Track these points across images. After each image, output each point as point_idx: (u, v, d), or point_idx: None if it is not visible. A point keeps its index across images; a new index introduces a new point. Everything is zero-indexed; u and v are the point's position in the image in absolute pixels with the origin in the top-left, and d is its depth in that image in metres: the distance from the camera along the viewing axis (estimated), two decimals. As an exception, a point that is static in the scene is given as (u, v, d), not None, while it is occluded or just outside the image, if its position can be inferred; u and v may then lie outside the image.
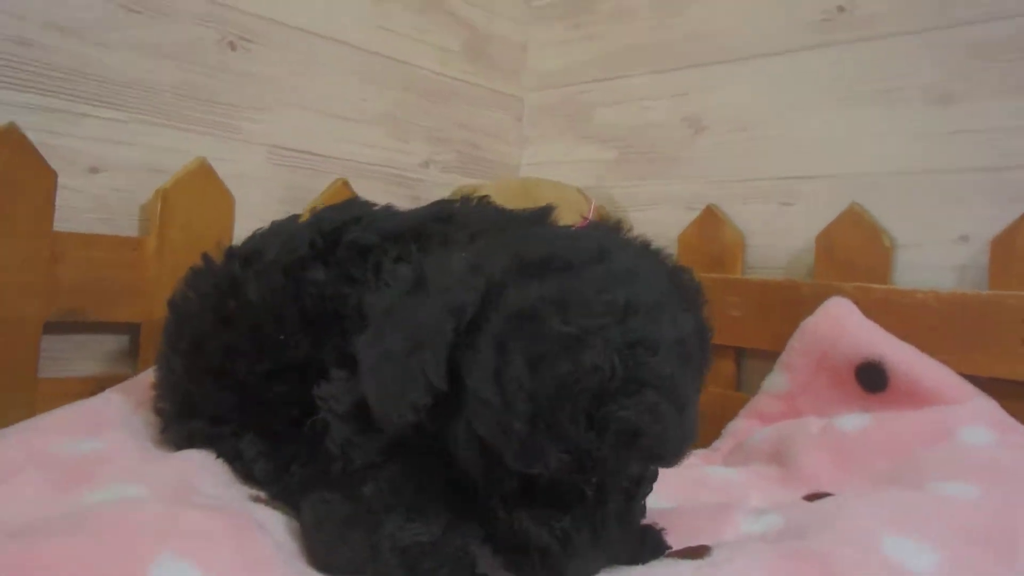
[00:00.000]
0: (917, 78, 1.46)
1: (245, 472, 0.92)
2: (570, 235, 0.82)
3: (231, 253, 0.99)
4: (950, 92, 1.43)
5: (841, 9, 1.55)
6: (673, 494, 1.10)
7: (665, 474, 1.16)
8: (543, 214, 0.93)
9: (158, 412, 1.03)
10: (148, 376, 1.14)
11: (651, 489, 0.81)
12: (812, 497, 1.08)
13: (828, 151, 1.56)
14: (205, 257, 1.01)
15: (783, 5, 1.63)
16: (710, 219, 1.66)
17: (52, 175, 1.17)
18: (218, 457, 0.94)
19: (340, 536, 0.77)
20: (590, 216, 1.58)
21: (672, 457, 0.69)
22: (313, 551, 0.79)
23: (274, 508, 0.86)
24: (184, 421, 0.97)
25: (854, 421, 1.26)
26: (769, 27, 1.65)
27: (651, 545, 0.84)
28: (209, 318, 0.93)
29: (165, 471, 0.90)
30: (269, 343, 0.89)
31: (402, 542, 0.74)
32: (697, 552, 0.83)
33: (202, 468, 0.93)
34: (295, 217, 1.04)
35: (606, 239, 0.78)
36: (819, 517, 0.91)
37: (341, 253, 0.91)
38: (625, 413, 0.63)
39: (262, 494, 0.90)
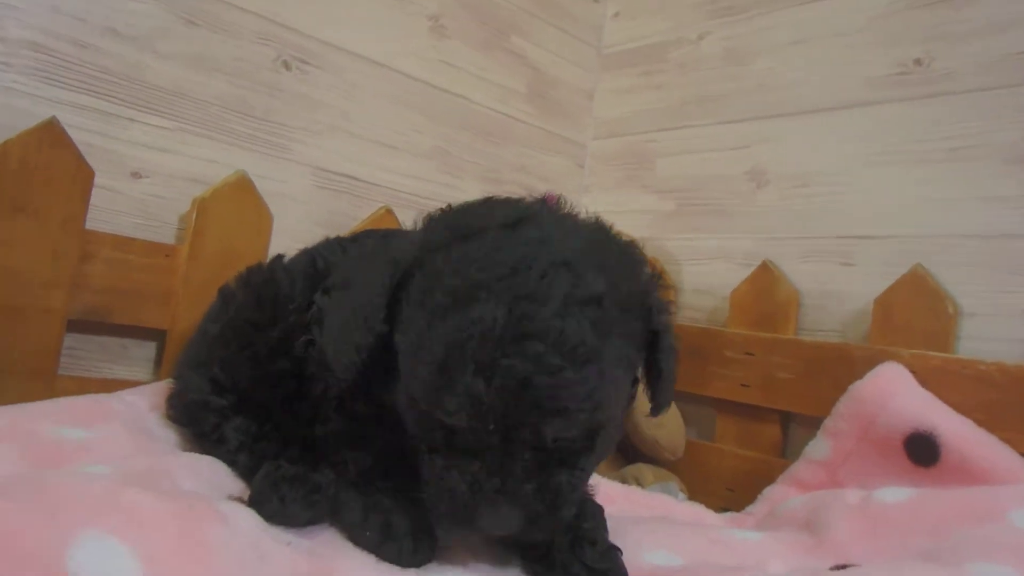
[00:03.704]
0: (995, 137, 1.37)
1: (230, 460, 0.98)
2: (503, 205, 0.84)
3: (279, 255, 1.13)
4: (1029, 154, 1.34)
5: (918, 63, 1.48)
6: (686, 551, 1.03)
7: (681, 530, 1.10)
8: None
9: (177, 362, 1.13)
10: (168, 384, 1.13)
11: (586, 468, 0.78)
12: (839, 568, 0.99)
13: (893, 210, 1.47)
14: (259, 262, 1.13)
15: (856, 57, 1.57)
16: (765, 276, 1.59)
17: (89, 174, 1.18)
18: (201, 436, 1.01)
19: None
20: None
21: (574, 413, 0.70)
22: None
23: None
24: (191, 376, 1.05)
25: (896, 493, 1.16)
26: (839, 80, 1.59)
27: None
28: (250, 300, 1.04)
29: (144, 461, 0.89)
30: (282, 313, 1.00)
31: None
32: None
33: (188, 466, 0.92)
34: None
35: (534, 210, 0.80)
36: (835, 587, 0.83)
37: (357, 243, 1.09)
38: (508, 362, 0.67)
39: (243, 496, 0.89)
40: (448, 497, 0.74)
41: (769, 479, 1.42)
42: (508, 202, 0.85)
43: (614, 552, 0.88)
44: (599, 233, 0.81)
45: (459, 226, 0.78)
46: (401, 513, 0.82)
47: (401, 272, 0.77)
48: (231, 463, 0.97)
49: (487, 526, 0.73)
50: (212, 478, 0.93)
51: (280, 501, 0.85)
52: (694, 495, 1.52)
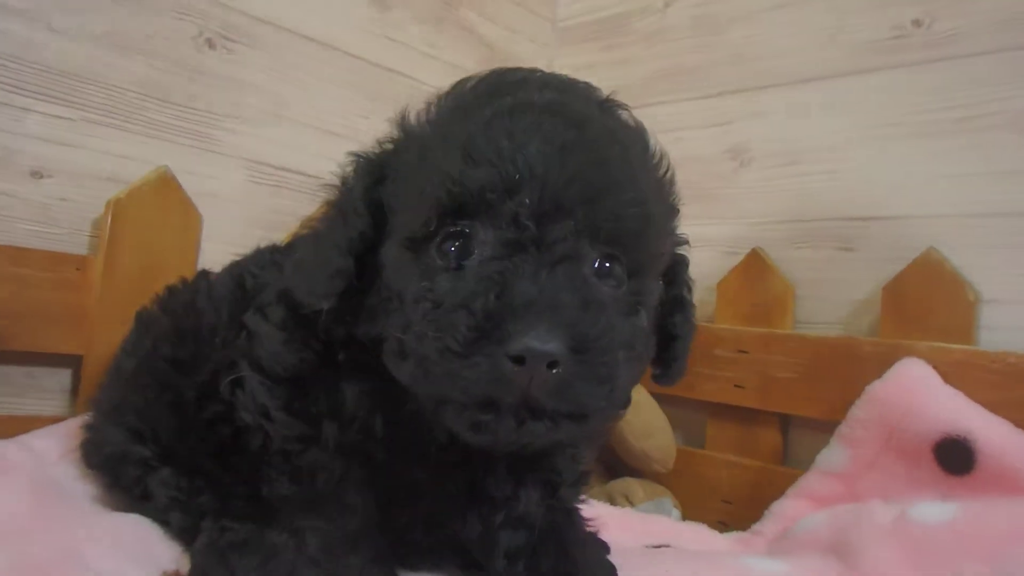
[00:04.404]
0: (1007, 104, 1.25)
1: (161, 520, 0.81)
2: None
3: (203, 271, 0.95)
4: (1046, 122, 1.22)
5: (917, 23, 1.34)
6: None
7: (696, 566, 0.95)
8: None
9: (91, 403, 0.95)
10: (82, 420, 0.95)
11: (638, 319, 0.65)
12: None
13: (898, 188, 1.34)
14: (182, 279, 0.95)
15: (845, 20, 1.43)
16: (755, 265, 1.45)
17: (-31, 172, 0.99)
18: (123, 489, 0.85)
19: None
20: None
21: (622, 192, 0.61)
22: None
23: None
24: (109, 426, 0.88)
25: (935, 511, 1.03)
26: (827, 46, 1.44)
27: None
28: (169, 331, 0.87)
29: (47, 538, 0.71)
30: (206, 348, 0.83)
31: None
32: None
33: (107, 537, 0.75)
34: None
35: None
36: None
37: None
38: (549, 125, 0.60)
39: (180, 569, 0.74)
40: (464, 317, 0.56)
41: (770, 489, 1.30)
42: None
43: None
44: None
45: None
46: None
47: (378, 165, 0.69)
48: (163, 523, 0.81)
49: (521, 347, 0.53)
50: (139, 547, 0.77)
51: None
52: (688, 510, 1.38)
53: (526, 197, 0.58)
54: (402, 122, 0.71)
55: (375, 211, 0.67)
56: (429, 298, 0.60)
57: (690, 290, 0.77)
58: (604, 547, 0.86)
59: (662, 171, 0.71)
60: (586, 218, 0.59)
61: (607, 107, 0.68)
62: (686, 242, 0.76)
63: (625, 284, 0.63)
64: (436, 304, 0.59)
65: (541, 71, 0.71)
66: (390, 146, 0.70)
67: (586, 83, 0.71)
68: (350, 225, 0.67)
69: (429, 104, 0.70)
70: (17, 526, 0.74)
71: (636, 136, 0.68)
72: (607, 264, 0.62)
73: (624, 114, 0.70)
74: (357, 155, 0.72)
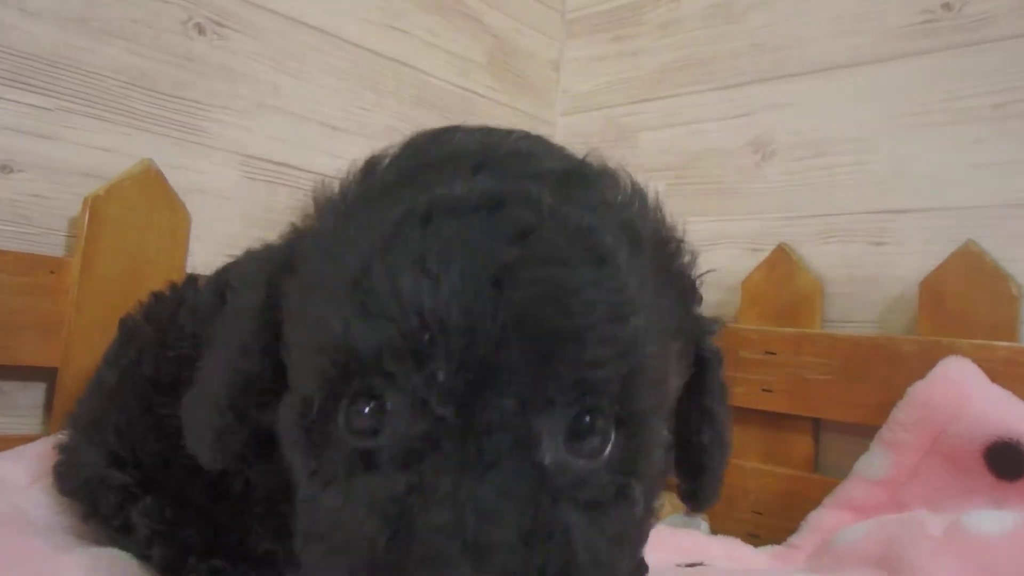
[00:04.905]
0: (1047, 88, 1.17)
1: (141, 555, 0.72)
2: None
3: (191, 277, 0.87)
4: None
5: (947, 7, 1.26)
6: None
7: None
8: None
9: (68, 419, 0.85)
10: (56, 440, 0.86)
11: (625, 508, 0.43)
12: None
13: (932, 179, 1.26)
14: (171, 284, 0.86)
15: (869, 6, 1.35)
16: (781, 262, 1.36)
17: (-65, 166, 0.90)
18: (100, 519, 0.74)
19: None
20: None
21: (595, 339, 0.40)
22: None
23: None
24: (86, 445, 0.78)
25: (991, 520, 0.94)
26: (852, 32, 1.37)
27: None
28: (154, 342, 0.78)
29: (13, 573, 0.62)
30: (188, 373, 0.68)
31: None
32: None
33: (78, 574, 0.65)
34: None
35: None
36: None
37: None
38: (482, 232, 0.41)
39: None
40: (346, 562, 0.39)
41: (802, 499, 1.22)
42: None
43: None
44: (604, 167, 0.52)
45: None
46: None
47: (281, 266, 0.51)
48: (143, 558, 0.71)
49: None
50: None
51: None
52: (716, 522, 1.29)
53: (439, 368, 0.39)
54: (316, 200, 0.52)
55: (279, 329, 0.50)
56: (310, 514, 0.44)
57: (723, 399, 0.56)
58: (644, 568, 0.78)
59: (671, 261, 0.51)
60: (537, 385, 0.40)
61: (578, 182, 0.47)
62: (717, 329, 0.56)
63: (610, 443, 0.43)
64: (316, 532, 0.42)
65: (485, 129, 0.52)
66: (302, 236, 0.53)
67: (547, 146, 0.51)
68: (234, 369, 0.52)
69: (345, 181, 0.52)
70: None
71: (626, 225, 0.46)
72: (586, 418, 0.42)
73: (608, 189, 0.49)
74: (258, 249, 0.57)
